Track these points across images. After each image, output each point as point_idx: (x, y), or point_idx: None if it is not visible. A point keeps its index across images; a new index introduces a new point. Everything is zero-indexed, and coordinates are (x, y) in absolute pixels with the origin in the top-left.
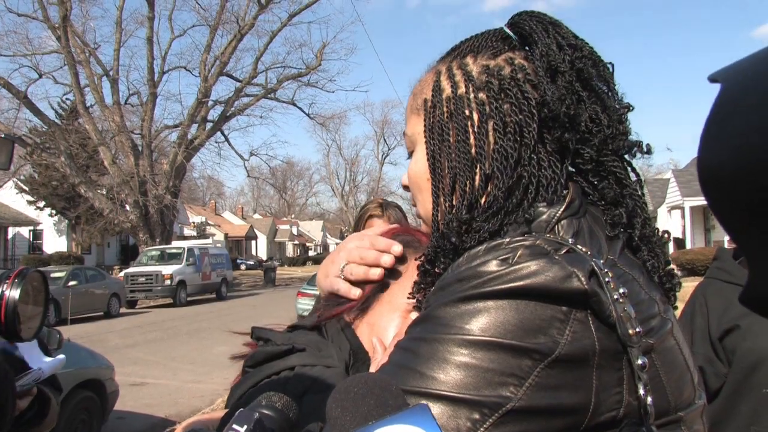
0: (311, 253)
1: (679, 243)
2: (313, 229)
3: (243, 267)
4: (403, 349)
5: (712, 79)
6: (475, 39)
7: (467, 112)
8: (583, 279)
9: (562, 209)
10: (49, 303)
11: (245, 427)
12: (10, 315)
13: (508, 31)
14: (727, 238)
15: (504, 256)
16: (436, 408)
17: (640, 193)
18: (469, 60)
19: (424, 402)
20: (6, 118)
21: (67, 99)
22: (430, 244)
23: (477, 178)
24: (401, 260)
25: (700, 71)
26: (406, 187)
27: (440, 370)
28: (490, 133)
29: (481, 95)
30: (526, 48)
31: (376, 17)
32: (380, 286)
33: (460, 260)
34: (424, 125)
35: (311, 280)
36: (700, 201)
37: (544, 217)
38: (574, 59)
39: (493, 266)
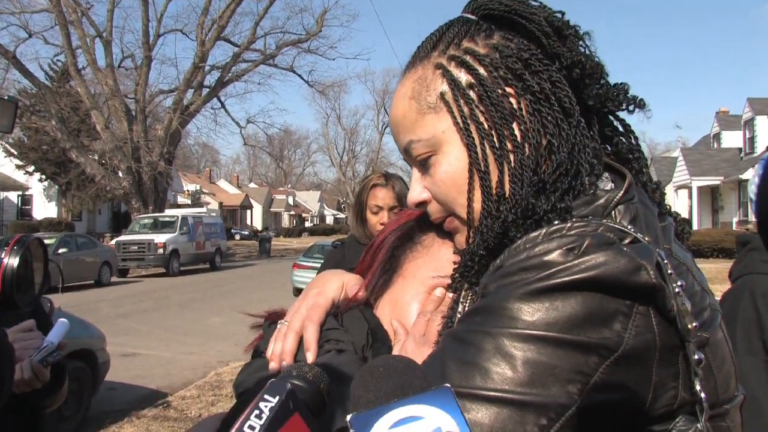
0: (308, 224)
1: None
2: (310, 200)
3: (237, 237)
4: (461, 341)
5: None
6: (454, 27)
7: (500, 91)
8: (651, 272)
9: (620, 194)
10: (48, 271)
11: (278, 398)
12: (7, 283)
13: (471, 17)
14: (735, 219)
15: (569, 246)
16: (503, 413)
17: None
18: (470, 44)
19: (481, 402)
20: None
21: (58, 60)
22: (486, 234)
23: (529, 156)
24: (425, 233)
25: (710, 46)
26: (421, 204)
27: (507, 365)
28: (526, 108)
29: (504, 72)
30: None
31: None
32: (399, 261)
33: (517, 244)
34: (455, 118)
35: (307, 252)
36: (708, 181)
37: (602, 201)
38: (561, 23)
39: (558, 256)
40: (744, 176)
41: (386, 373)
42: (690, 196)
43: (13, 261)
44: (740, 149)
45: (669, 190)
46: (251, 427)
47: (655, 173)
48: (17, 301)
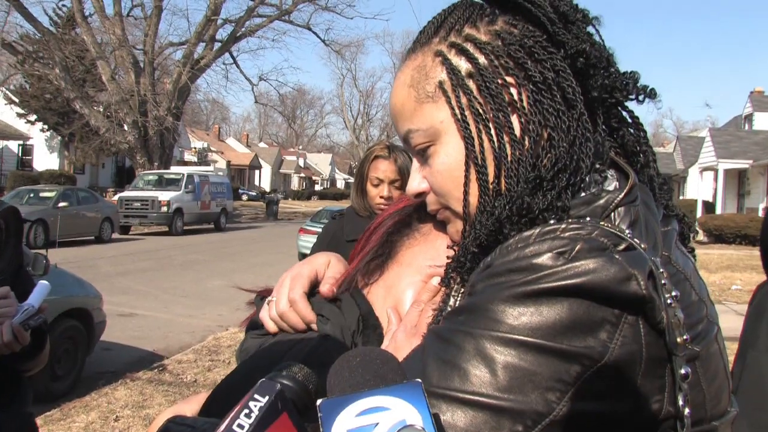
0: (317, 188)
1: (708, 207)
2: (321, 162)
3: (245, 197)
4: (443, 339)
5: None
6: (457, 11)
7: (500, 81)
8: (642, 283)
9: (621, 195)
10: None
11: (267, 397)
12: None
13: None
14: (762, 204)
15: (560, 249)
16: (479, 417)
17: (645, 136)
18: (471, 31)
19: (458, 404)
20: None
21: (63, 6)
22: (480, 230)
23: (528, 150)
24: (423, 221)
25: (747, 21)
26: (420, 194)
27: (486, 368)
28: (527, 99)
29: (506, 60)
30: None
31: None
32: (395, 247)
33: (509, 242)
34: (453, 108)
35: (315, 217)
36: (736, 164)
37: (602, 202)
38: (569, 7)
39: (548, 260)
40: None
41: (362, 363)
42: (715, 179)
43: None
44: None
45: (694, 171)
46: (240, 426)
47: (680, 153)
48: None
